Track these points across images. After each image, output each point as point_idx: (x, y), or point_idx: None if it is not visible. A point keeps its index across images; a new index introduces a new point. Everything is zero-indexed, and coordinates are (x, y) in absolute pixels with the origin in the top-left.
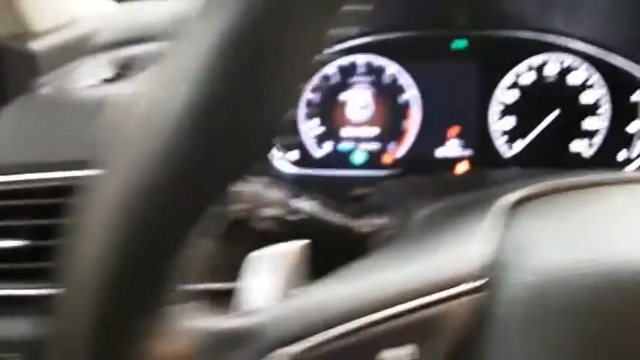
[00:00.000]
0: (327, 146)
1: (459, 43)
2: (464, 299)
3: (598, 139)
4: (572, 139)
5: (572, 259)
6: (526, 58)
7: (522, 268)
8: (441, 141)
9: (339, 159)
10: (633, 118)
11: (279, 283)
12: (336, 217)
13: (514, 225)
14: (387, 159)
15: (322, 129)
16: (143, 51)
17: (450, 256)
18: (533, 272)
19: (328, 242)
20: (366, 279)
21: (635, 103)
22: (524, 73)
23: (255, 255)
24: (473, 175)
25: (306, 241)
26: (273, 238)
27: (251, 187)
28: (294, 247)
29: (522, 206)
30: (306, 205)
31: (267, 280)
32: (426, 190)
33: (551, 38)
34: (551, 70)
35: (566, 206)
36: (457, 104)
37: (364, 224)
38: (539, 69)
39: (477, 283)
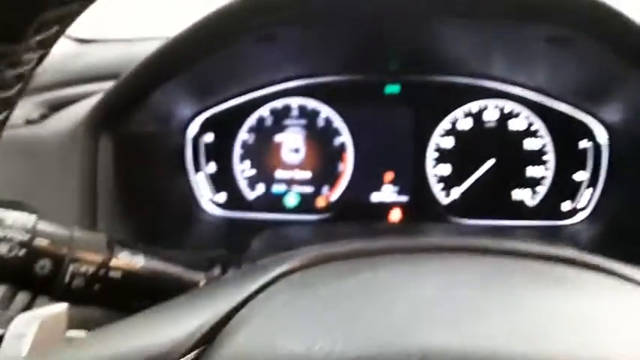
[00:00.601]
0: (260, 188)
1: (392, 88)
2: None
3: (542, 188)
4: (515, 187)
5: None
6: (463, 104)
7: (216, 355)
8: (377, 186)
9: (272, 202)
10: (580, 167)
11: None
12: (171, 269)
13: (251, 304)
14: (320, 202)
15: (255, 171)
16: (76, 92)
17: (155, 337)
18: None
19: (161, 296)
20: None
21: (583, 151)
22: (461, 118)
23: (20, 317)
24: (403, 225)
25: (65, 305)
26: (86, 295)
27: (63, 240)
28: (55, 310)
29: (280, 281)
30: (135, 258)
31: (21, 342)
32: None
33: (489, 84)
34: (490, 116)
35: (318, 283)
36: (392, 149)
37: (204, 276)
38: (478, 115)
39: None
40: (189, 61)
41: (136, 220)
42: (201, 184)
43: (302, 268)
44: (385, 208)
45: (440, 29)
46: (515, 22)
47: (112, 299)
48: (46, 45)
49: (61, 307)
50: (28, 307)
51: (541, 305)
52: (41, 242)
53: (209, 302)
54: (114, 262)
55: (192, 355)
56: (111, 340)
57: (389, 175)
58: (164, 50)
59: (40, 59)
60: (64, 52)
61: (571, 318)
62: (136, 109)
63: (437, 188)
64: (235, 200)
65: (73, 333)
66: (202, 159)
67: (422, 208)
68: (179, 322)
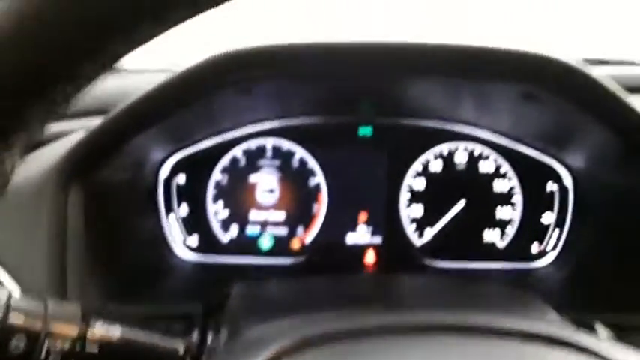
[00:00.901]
0: (234, 230)
1: (365, 130)
2: None
3: (511, 230)
4: (485, 228)
5: None
6: (433, 146)
7: None
8: (351, 227)
9: (246, 244)
10: (548, 208)
11: None
12: (148, 338)
13: None
14: (295, 244)
15: (229, 212)
16: (50, 132)
17: None
18: None
19: None
20: None
21: (550, 193)
22: (432, 161)
23: None
24: (377, 272)
25: None
26: None
27: (38, 315)
28: None
29: None
30: (112, 328)
31: None
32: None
33: (459, 128)
34: (460, 159)
35: None
36: (366, 190)
37: (183, 343)
38: (448, 157)
39: None
40: (165, 113)
41: (108, 270)
42: (173, 226)
43: (288, 354)
44: (359, 249)
45: (411, 81)
46: (482, 80)
47: None
48: (29, 141)
49: None
50: None
51: None
52: (16, 318)
53: None
54: (90, 335)
55: None
56: None
57: (363, 216)
58: (140, 103)
59: (22, 155)
60: None
61: None
62: (108, 159)
63: (410, 229)
64: (208, 243)
65: None
66: (174, 201)
67: (395, 249)
68: None
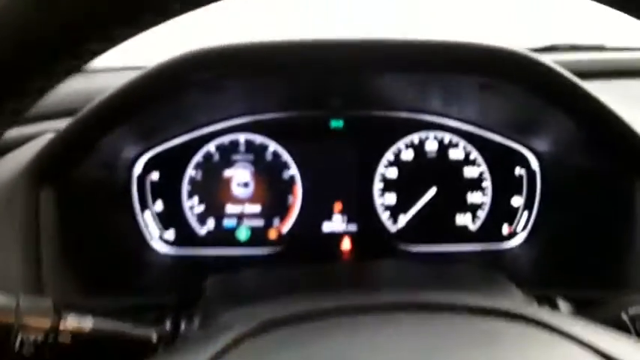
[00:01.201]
0: (210, 223)
1: (337, 123)
2: None
3: (482, 213)
4: (457, 212)
5: None
6: (404, 136)
7: None
8: (327, 216)
9: (223, 236)
10: (516, 192)
11: None
12: (121, 327)
13: None
14: (272, 234)
15: (204, 206)
16: (22, 133)
17: None
18: None
19: (113, 356)
20: None
21: (519, 177)
22: (404, 150)
23: None
24: (354, 260)
25: None
26: None
27: (10, 309)
28: None
29: (233, 350)
30: (84, 320)
31: None
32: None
33: (428, 117)
34: (430, 147)
35: (271, 354)
36: (340, 181)
37: (156, 332)
38: (419, 146)
39: None
40: (134, 111)
41: (82, 267)
42: (149, 222)
43: (253, 335)
44: (335, 237)
45: (379, 76)
46: (447, 73)
47: None
48: (19, 112)
49: None
50: None
51: None
52: None
53: None
54: (62, 326)
55: None
56: None
57: (338, 206)
58: (108, 101)
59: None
60: None
61: None
62: (79, 158)
63: (384, 216)
64: (185, 236)
65: None
66: (149, 197)
67: (371, 236)
68: None
